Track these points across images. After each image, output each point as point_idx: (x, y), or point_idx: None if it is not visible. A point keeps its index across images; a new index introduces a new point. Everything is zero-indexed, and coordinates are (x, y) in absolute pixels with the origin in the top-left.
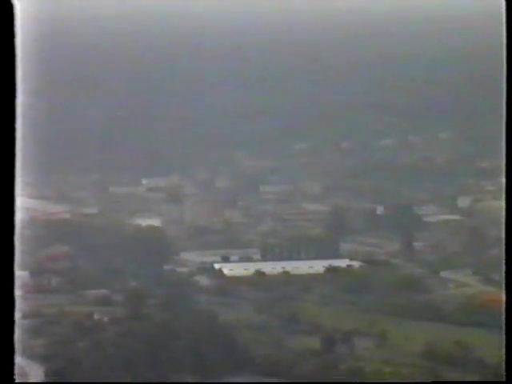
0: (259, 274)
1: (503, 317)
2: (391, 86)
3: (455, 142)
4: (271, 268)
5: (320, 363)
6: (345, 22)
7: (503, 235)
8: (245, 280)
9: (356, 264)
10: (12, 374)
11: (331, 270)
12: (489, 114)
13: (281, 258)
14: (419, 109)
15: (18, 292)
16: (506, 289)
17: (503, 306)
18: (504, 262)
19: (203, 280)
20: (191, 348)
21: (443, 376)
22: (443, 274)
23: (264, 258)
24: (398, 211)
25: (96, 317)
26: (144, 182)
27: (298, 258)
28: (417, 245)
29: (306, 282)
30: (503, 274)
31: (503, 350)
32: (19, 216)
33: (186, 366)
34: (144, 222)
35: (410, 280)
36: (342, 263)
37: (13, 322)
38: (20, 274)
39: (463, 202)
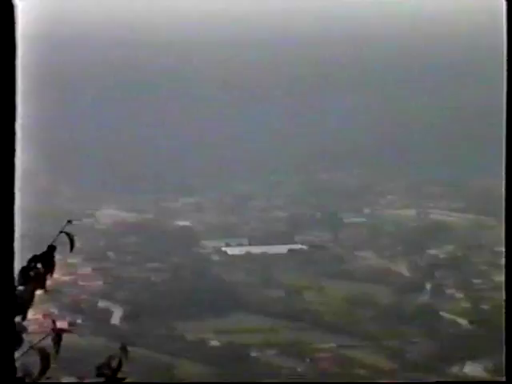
0: (248, 253)
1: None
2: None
3: None
4: (255, 250)
5: (284, 305)
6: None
7: (393, 229)
8: (239, 257)
9: (304, 247)
10: (13, 370)
11: (290, 250)
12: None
13: (261, 244)
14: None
15: (107, 264)
16: (506, 289)
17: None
18: (504, 261)
19: (215, 257)
20: (203, 293)
21: (357, 311)
22: (355, 252)
23: (251, 244)
24: (328, 216)
25: (152, 279)
26: (180, 200)
27: (271, 244)
28: (339, 236)
29: (276, 257)
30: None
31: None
32: (108, 220)
33: (198, 303)
34: (180, 223)
35: (336, 257)
36: (297, 247)
37: (13, 321)
38: (108, 254)
39: (366, 210)
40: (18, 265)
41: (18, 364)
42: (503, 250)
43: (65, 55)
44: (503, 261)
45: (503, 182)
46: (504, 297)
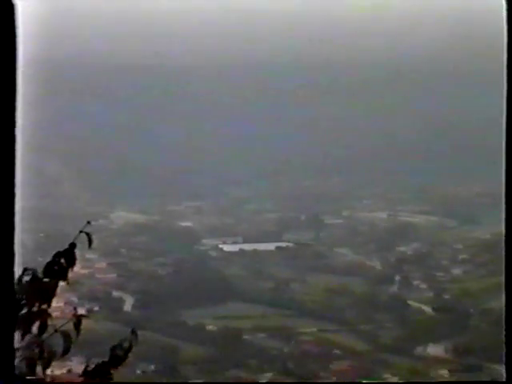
0: (241, 250)
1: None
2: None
3: None
4: (248, 247)
5: (273, 294)
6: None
7: (367, 229)
8: (234, 253)
9: (290, 244)
10: (12, 370)
11: (278, 248)
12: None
13: (253, 242)
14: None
15: (120, 259)
16: (506, 289)
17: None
18: (504, 261)
19: (213, 253)
20: (203, 284)
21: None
22: (335, 249)
23: (244, 242)
24: (311, 218)
25: (158, 272)
26: (182, 203)
27: (262, 242)
28: (321, 235)
29: (266, 254)
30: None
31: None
32: (120, 221)
33: (198, 292)
34: (183, 224)
35: (318, 253)
36: (284, 245)
37: (13, 321)
38: (121, 250)
39: (344, 213)
40: (43, 260)
41: (44, 345)
42: (461, 247)
43: (71, 69)
44: (461, 256)
45: (473, 187)
46: (504, 297)
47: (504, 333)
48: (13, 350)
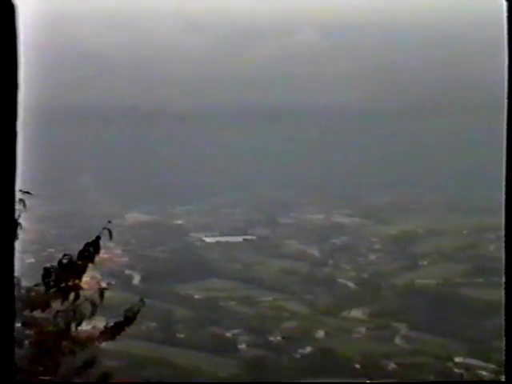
0: (218, 241)
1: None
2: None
3: None
4: (223, 239)
5: (241, 273)
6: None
7: (309, 226)
8: (213, 243)
9: (254, 237)
10: (12, 372)
11: (245, 240)
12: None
13: (226, 235)
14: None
15: (131, 247)
16: (506, 289)
17: None
18: (504, 261)
19: (198, 243)
20: (190, 266)
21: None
22: (286, 241)
23: (220, 235)
24: (269, 218)
25: (159, 256)
26: (177, 208)
27: (233, 235)
28: (276, 230)
29: (236, 244)
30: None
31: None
32: (131, 220)
33: (187, 271)
34: (177, 222)
35: (274, 244)
36: (249, 237)
37: (12, 321)
38: (131, 241)
39: (293, 215)
40: (76, 248)
41: (77, 309)
42: (376, 240)
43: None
44: (376, 247)
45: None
46: (504, 296)
47: (504, 332)
48: (13, 351)
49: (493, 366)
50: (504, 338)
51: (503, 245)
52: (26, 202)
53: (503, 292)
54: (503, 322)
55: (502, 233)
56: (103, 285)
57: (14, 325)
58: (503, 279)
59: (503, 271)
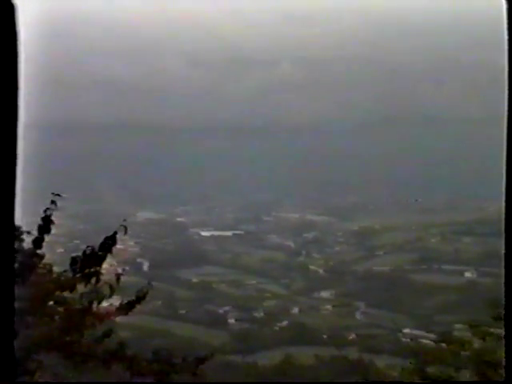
0: (213, 235)
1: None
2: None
3: None
4: (216, 233)
5: (231, 261)
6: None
7: (286, 224)
8: (208, 237)
9: (242, 232)
10: (12, 373)
11: (234, 234)
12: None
13: (220, 230)
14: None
15: (141, 240)
16: (506, 288)
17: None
18: (504, 260)
19: (196, 237)
20: (190, 255)
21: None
22: (267, 236)
23: (214, 230)
24: (254, 217)
25: (165, 248)
26: (179, 208)
27: (224, 230)
28: (259, 226)
29: (227, 237)
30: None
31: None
32: (141, 218)
33: (187, 260)
34: (179, 219)
35: (258, 238)
36: (238, 232)
37: (12, 321)
38: (142, 235)
39: (273, 213)
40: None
41: (98, 291)
42: (340, 234)
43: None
44: (340, 240)
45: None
46: (504, 296)
47: (504, 332)
48: (13, 351)
49: (432, 336)
50: (504, 338)
51: (444, 238)
52: (58, 203)
53: (448, 277)
54: (442, 301)
55: (443, 229)
56: (119, 271)
57: (13, 325)
58: (446, 267)
59: (443, 259)
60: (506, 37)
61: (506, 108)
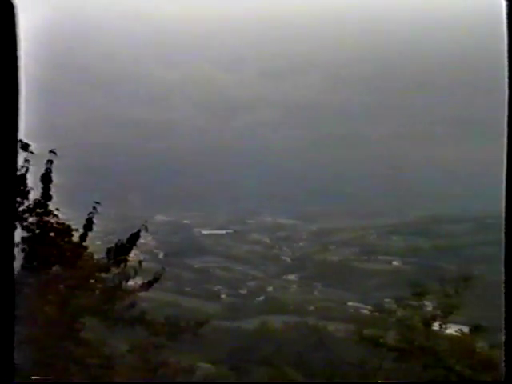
0: (210, 233)
1: None
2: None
3: None
4: (212, 232)
5: (224, 253)
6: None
7: (264, 226)
8: (207, 235)
9: (231, 231)
10: (12, 374)
11: (226, 233)
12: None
13: (215, 229)
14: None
15: (157, 236)
16: (506, 288)
17: None
18: (504, 260)
19: (198, 235)
20: (192, 249)
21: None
22: (251, 234)
23: (211, 230)
24: (239, 220)
25: (174, 242)
26: (185, 213)
27: (219, 229)
28: (244, 227)
29: (221, 235)
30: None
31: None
32: (157, 221)
33: (191, 253)
34: (185, 221)
35: (243, 236)
36: (229, 231)
37: (12, 321)
38: (156, 235)
39: (254, 218)
40: (122, 237)
41: (126, 273)
42: (304, 233)
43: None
44: (304, 237)
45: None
46: (504, 296)
47: (504, 332)
48: (12, 351)
49: (369, 307)
50: (504, 338)
51: (379, 236)
52: (98, 208)
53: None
54: (376, 282)
55: (378, 229)
56: (141, 258)
57: (13, 324)
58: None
59: (377, 252)
60: (506, 37)
61: (506, 108)
